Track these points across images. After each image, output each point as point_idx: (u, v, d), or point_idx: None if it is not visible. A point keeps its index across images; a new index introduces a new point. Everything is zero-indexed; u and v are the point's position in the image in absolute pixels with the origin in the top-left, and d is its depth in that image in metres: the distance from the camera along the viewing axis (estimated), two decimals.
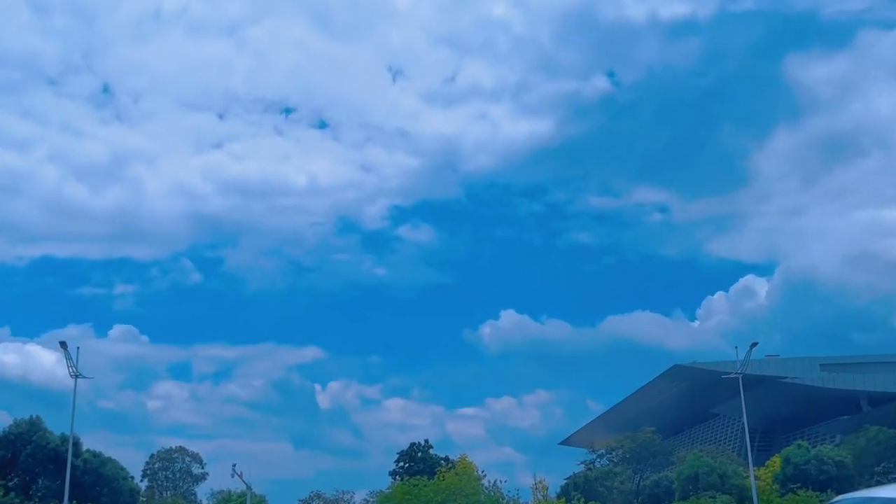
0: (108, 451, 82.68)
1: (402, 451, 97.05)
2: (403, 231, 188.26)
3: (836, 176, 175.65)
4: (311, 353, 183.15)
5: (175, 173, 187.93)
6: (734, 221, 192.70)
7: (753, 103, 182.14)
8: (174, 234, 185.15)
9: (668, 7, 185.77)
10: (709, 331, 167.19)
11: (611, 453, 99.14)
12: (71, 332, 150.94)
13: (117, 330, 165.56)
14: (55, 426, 78.78)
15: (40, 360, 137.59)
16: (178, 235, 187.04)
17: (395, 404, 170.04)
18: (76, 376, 70.48)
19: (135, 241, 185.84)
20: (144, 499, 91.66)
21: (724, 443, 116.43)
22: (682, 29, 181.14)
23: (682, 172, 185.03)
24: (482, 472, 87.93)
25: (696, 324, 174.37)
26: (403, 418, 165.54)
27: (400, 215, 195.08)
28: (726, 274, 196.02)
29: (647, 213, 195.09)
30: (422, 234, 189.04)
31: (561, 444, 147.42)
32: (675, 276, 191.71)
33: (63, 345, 71.36)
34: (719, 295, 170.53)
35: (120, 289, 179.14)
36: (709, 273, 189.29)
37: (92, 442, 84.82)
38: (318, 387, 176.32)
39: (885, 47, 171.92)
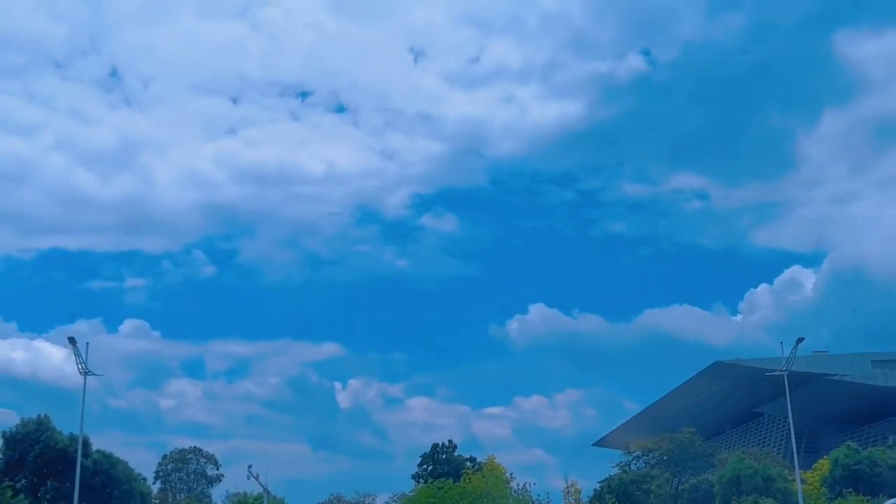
0: (119, 452, 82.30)
1: (425, 453, 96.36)
2: (426, 221, 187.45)
3: (889, 161, 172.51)
4: (329, 349, 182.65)
5: (187, 161, 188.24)
6: (779, 209, 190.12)
7: (800, 83, 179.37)
8: (186, 225, 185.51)
9: None
10: (752, 325, 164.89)
11: (647, 455, 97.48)
12: (80, 327, 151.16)
13: (128, 325, 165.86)
14: (64, 425, 78.44)
15: (49, 356, 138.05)
16: (191, 226, 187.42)
17: (418, 403, 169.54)
18: (85, 373, 69.99)
19: (145, 232, 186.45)
20: (157, 501, 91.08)
21: (769, 444, 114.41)
22: (722, 3, 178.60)
23: (723, 157, 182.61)
24: (510, 474, 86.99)
25: (739, 318, 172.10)
26: (427, 418, 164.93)
27: (422, 204, 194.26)
28: (771, 265, 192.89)
29: (686, 201, 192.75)
30: (445, 224, 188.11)
31: (594, 445, 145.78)
32: (715, 267, 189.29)
33: (72, 341, 70.92)
34: (763, 287, 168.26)
35: (131, 282, 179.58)
36: (752, 264, 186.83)
37: (102, 442, 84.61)
38: (337, 385, 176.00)
39: None
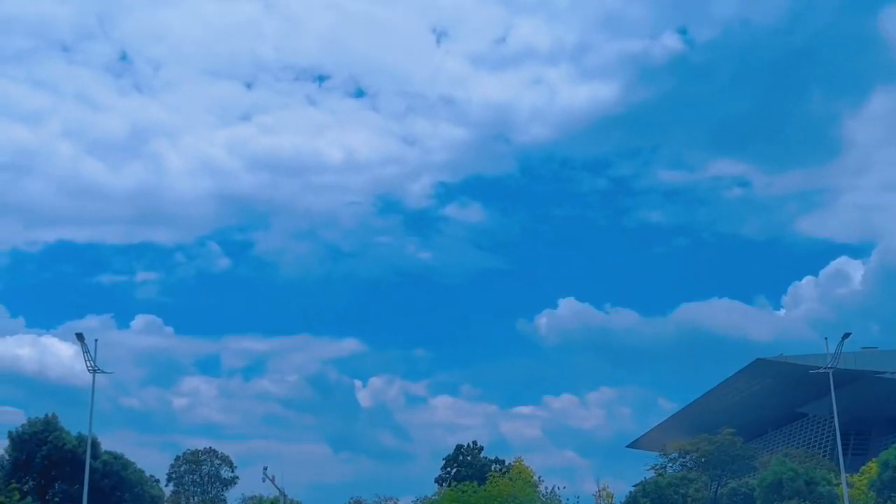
0: (131, 452, 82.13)
1: (449, 454, 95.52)
2: (451, 210, 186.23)
3: None
4: (349, 345, 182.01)
5: (199, 149, 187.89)
6: (825, 197, 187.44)
7: (845, 63, 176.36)
8: (199, 216, 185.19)
9: None
10: (796, 320, 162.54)
11: (684, 457, 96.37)
12: (90, 322, 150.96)
13: (140, 321, 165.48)
14: (73, 425, 77.97)
15: (57, 353, 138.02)
16: (204, 217, 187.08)
17: (442, 402, 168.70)
18: (94, 371, 69.72)
19: (157, 223, 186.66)
20: None
21: (813, 446, 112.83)
22: None
23: (765, 142, 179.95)
24: (539, 477, 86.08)
25: (782, 312, 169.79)
26: (452, 418, 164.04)
27: (447, 193, 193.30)
28: (816, 256, 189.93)
29: (726, 188, 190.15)
30: (471, 214, 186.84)
31: (628, 446, 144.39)
32: (757, 258, 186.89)
33: (80, 337, 70.64)
34: (808, 280, 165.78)
35: (142, 276, 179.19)
36: (796, 255, 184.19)
37: (113, 442, 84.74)
38: (357, 383, 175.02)
39: None
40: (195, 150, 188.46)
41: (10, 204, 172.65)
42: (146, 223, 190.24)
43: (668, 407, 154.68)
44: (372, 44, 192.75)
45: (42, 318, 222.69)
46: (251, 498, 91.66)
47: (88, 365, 69.54)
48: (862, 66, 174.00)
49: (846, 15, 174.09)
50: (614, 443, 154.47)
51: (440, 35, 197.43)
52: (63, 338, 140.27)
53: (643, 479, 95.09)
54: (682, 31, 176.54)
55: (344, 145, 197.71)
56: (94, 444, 74.86)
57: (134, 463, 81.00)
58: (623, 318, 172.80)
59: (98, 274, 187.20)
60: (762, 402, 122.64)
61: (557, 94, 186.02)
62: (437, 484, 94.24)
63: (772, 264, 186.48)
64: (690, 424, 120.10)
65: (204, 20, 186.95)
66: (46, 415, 78.35)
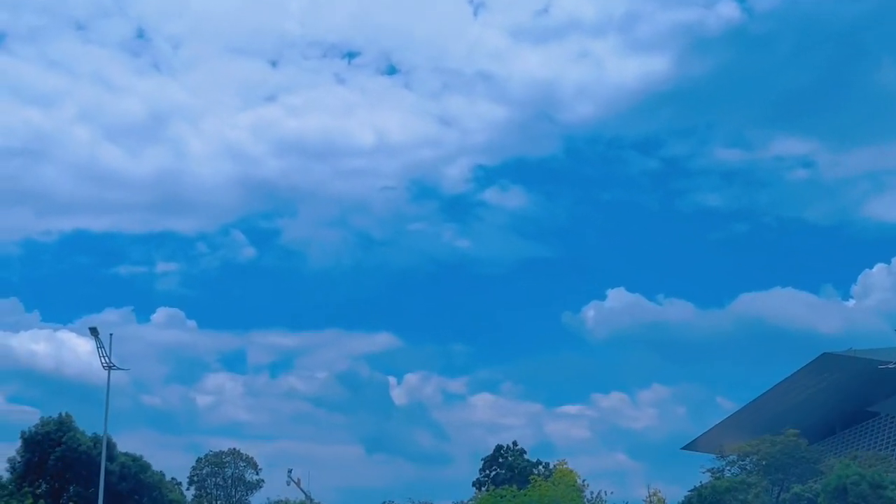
0: (153, 454, 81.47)
1: (487, 456, 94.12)
2: (490, 195, 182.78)
3: None
4: (383, 340, 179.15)
5: (222, 132, 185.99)
6: None
7: None
8: (223, 203, 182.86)
9: None
10: (866, 311, 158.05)
11: (744, 460, 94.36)
12: (109, 316, 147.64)
13: (161, 314, 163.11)
14: (91, 425, 77.30)
15: (74, 349, 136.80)
16: (228, 204, 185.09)
17: (483, 400, 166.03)
18: (109, 367, 69.23)
19: (178, 211, 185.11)
20: None
21: (885, 447, 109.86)
22: None
23: (832, 118, 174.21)
24: (583, 481, 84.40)
25: (851, 303, 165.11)
26: (493, 417, 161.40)
27: (486, 176, 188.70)
28: (888, 241, 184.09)
29: (789, 169, 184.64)
30: (512, 199, 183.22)
31: (684, 448, 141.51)
32: (823, 244, 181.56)
33: (94, 331, 69.98)
34: (879, 267, 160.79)
35: (162, 267, 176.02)
36: (866, 240, 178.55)
37: (134, 442, 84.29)
38: (392, 380, 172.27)
39: None
40: (218, 134, 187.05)
41: (24, 191, 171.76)
42: (167, 211, 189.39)
43: (727, 406, 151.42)
44: (404, 17, 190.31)
45: (58, 312, 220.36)
46: (277, 502, 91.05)
47: (103, 361, 69.11)
48: None
49: None
50: (668, 444, 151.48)
51: (477, 6, 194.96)
52: (80, 333, 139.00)
53: (699, 484, 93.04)
54: (740, 0, 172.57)
55: (375, 127, 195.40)
56: (110, 445, 74.26)
57: (151, 465, 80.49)
58: (677, 310, 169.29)
59: (116, 265, 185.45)
60: (829, 400, 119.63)
61: (605, 69, 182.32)
62: (474, 487, 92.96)
63: (839, 251, 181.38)
64: (751, 425, 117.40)
65: None
66: (60, 414, 77.94)
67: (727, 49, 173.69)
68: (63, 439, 75.93)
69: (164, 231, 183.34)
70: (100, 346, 69.79)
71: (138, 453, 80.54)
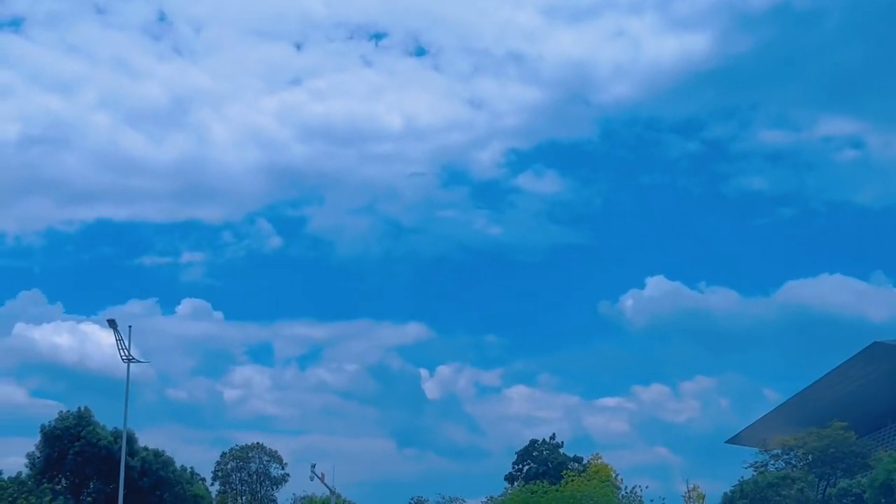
0: (177, 448, 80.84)
1: (520, 449, 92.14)
2: (523, 180, 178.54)
3: None
4: (414, 331, 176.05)
5: (246, 117, 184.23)
6: None
7: None
8: (247, 191, 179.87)
9: None
10: None
11: (788, 454, 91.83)
12: (132, 308, 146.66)
13: (186, 305, 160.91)
14: (114, 419, 76.74)
15: (98, 341, 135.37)
16: (253, 192, 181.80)
17: (518, 393, 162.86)
18: (128, 360, 68.36)
19: (202, 199, 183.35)
20: None
21: None
22: None
23: (882, 97, 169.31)
24: (618, 475, 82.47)
25: None
26: (529, 410, 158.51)
27: (518, 161, 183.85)
28: None
29: (837, 150, 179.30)
30: (546, 184, 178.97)
31: (728, 442, 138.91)
32: (874, 228, 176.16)
33: (112, 323, 69.22)
34: None
35: (187, 257, 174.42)
36: None
37: (158, 437, 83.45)
38: (423, 372, 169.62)
39: None
40: (241, 119, 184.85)
41: (44, 180, 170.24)
42: (190, 199, 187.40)
43: (773, 398, 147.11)
44: None
45: (81, 304, 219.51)
46: (303, 498, 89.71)
47: (122, 354, 68.10)
48: None
49: None
50: (711, 438, 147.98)
51: None
52: (104, 325, 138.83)
53: (741, 479, 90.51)
54: None
55: (403, 110, 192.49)
56: (131, 440, 73.27)
57: (174, 460, 79.50)
58: (720, 299, 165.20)
59: (140, 255, 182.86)
60: (880, 391, 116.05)
61: (642, 48, 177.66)
62: (506, 482, 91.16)
63: (891, 235, 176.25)
64: (797, 417, 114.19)
65: None
66: (79, 408, 77.15)
67: (771, 26, 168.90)
68: (82, 434, 75.01)
69: (188, 220, 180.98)
70: (118, 338, 68.67)
71: (162, 448, 79.52)
